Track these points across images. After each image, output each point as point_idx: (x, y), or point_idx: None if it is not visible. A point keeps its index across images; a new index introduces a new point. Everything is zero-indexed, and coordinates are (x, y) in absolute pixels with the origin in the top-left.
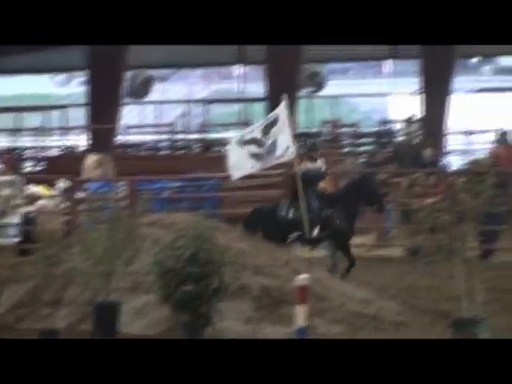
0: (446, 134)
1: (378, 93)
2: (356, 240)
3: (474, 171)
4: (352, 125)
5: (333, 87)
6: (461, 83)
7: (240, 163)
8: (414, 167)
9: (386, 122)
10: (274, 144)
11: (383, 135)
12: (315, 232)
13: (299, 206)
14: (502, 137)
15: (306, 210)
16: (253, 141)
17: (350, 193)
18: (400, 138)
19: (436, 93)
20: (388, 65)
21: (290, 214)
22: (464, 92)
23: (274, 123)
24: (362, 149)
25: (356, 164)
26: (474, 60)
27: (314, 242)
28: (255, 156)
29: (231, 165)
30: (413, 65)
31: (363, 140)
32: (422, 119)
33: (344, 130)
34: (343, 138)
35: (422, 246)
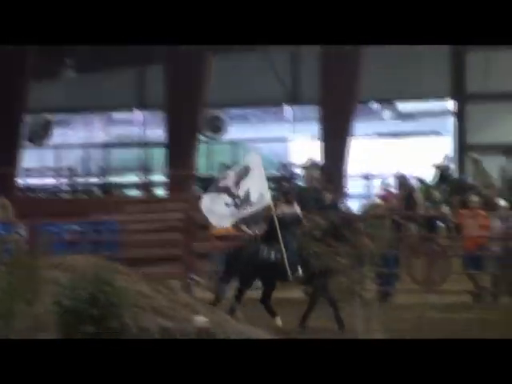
0: (345, 178)
1: (279, 137)
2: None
3: (373, 215)
4: None
5: (233, 132)
6: (361, 128)
7: (217, 211)
8: (315, 210)
9: (286, 165)
10: (247, 194)
11: (284, 179)
12: (299, 272)
13: (279, 248)
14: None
15: (286, 252)
16: (226, 190)
17: (326, 234)
18: (301, 183)
19: (336, 138)
20: (288, 110)
21: (272, 256)
22: (364, 136)
23: (245, 174)
24: None
25: None
26: (374, 105)
27: (301, 283)
28: (230, 205)
29: (207, 212)
30: (313, 110)
31: None
32: (322, 163)
33: None
34: None
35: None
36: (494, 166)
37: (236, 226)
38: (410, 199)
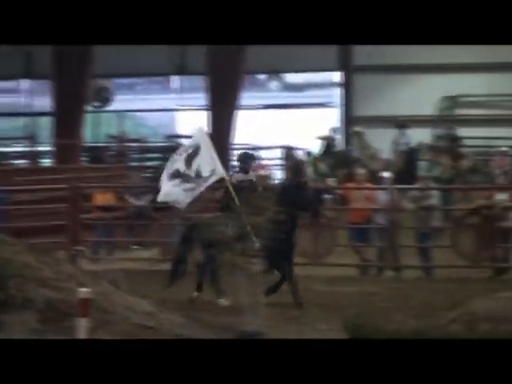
0: (233, 149)
1: (165, 108)
2: (142, 254)
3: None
4: (139, 139)
5: (120, 102)
6: (248, 99)
7: (173, 195)
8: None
9: (172, 136)
10: (199, 173)
11: (170, 150)
12: (256, 245)
13: (236, 218)
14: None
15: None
16: (178, 174)
17: (285, 203)
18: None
19: (223, 108)
20: (175, 80)
21: (229, 229)
22: (251, 108)
23: (195, 153)
24: (149, 163)
25: (142, 178)
26: (262, 76)
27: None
28: (185, 189)
29: (164, 196)
30: (200, 80)
31: (150, 154)
32: (209, 134)
33: (130, 144)
34: (130, 152)
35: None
36: (381, 137)
37: (120, 196)
38: (297, 171)
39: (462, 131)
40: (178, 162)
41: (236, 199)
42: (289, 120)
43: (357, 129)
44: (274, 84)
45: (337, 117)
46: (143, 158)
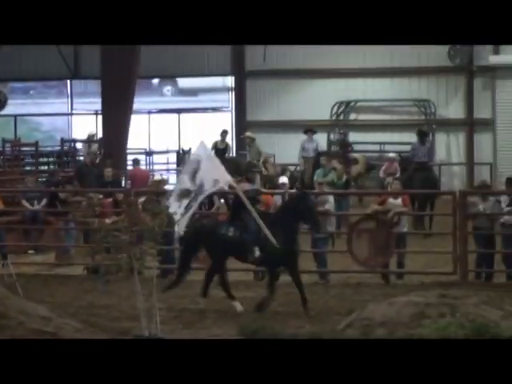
0: (126, 154)
1: (60, 112)
2: (36, 258)
3: (154, 191)
4: (33, 144)
5: (15, 106)
6: (142, 103)
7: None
8: (96, 186)
9: (67, 141)
10: (201, 186)
11: (65, 154)
12: (256, 253)
13: (239, 225)
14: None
15: (245, 231)
16: (186, 192)
17: (287, 212)
18: (81, 157)
19: (117, 113)
20: (70, 85)
21: (230, 233)
22: (145, 112)
23: (197, 169)
24: (44, 168)
25: (37, 183)
26: (155, 81)
27: (255, 263)
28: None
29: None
30: (94, 85)
31: (45, 159)
32: (102, 139)
33: (25, 148)
34: (24, 156)
35: (102, 265)
36: (275, 142)
37: (15, 201)
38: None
39: (356, 136)
40: (184, 182)
41: (251, 208)
42: (183, 124)
43: (248, 134)
44: (167, 88)
45: (230, 121)
46: (38, 163)
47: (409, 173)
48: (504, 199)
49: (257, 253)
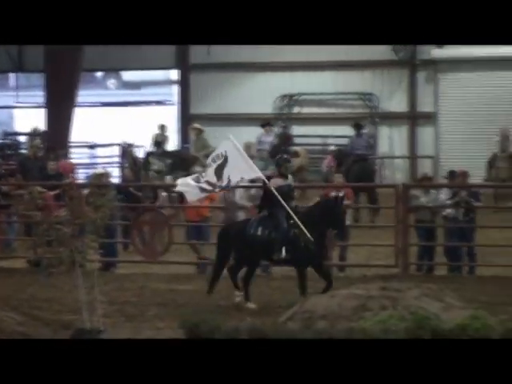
0: (70, 147)
1: (3, 105)
2: None
3: (96, 184)
4: None
5: None
6: (85, 97)
7: (186, 187)
8: (39, 180)
9: (10, 134)
10: (228, 184)
11: (8, 147)
12: (282, 253)
13: (268, 223)
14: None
15: (275, 229)
16: (207, 183)
17: (315, 214)
18: (24, 151)
19: (60, 106)
20: (13, 77)
21: (259, 232)
22: (89, 105)
23: (224, 164)
24: None
25: None
26: (99, 74)
27: (280, 264)
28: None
29: (179, 186)
30: (38, 78)
31: None
32: (46, 132)
33: None
34: None
35: (44, 258)
36: (219, 135)
37: None
38: (135, 168)
39: (300, 129)
40: (209, 175)
41: (284, 203)
42: (127, 118)
43: (196, 125)
44: (111, 82)
45: (175, 115)
46: None
47: (347, 165)
48: (445, 192)
49: (283, 253)
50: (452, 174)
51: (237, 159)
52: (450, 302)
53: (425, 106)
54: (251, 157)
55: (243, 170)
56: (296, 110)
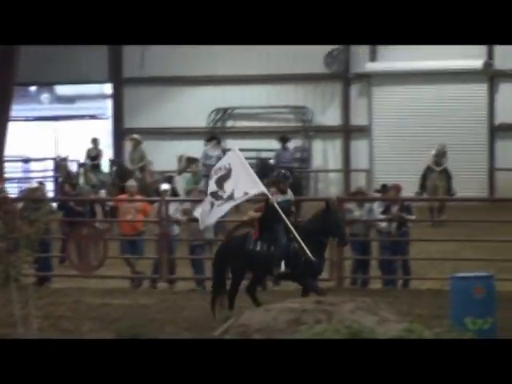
0: (3, 161)
1: None
2: None
3: (30, 198)
4: None
5: None
6: (19, 111)
7: (205, 214)
8: None
9: None
10: (231, 195)
11: None
12: (282, 267)
13: (267, 238)
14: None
15: (274, 244)
16: (213, 195)
17: (314, 225)
18: None
19: None
20: None
21: (258, 247)
22: (22, 120)
23: (226, 176)
24: None
25: None
26: (33, 88)
27: (279, 278)
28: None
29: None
30: None
31: None
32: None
33: None
34: None
35: None
36: (151, 149)
37: None
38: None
39: (234, 143)
40: (211, 185)
41: (285, 219)
42: (61, 132)
43: (134, 136)
44: (45, 96)
45: (108, 129)
46: None
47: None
48: (379, 206)
49: (283, 267)
50: (385, 188)
51: (241, 172)
52: (385, 316)
53: (359, 119)
54: (182, 170)
55: (247, 185)
56: (230, 123)
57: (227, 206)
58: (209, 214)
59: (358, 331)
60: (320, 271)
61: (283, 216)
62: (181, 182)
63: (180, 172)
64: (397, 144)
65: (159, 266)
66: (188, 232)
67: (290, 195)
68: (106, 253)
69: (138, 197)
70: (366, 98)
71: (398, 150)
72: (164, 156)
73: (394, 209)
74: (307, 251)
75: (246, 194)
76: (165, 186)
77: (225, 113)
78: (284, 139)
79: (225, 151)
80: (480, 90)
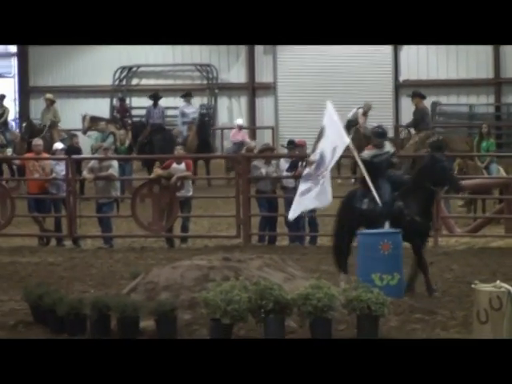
0: None
1: None
2: None
3: None
4: None
5: None
6: None
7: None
8: None
9: None
10: (322, 157)
11: None
12: (386, 226)
13: (372, 196)
14: None
15: (377, 201)
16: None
17: (423, 177)
18: None
19: None
20: None
21: (364, 205)
22: None
23: (321, 135)
24: None
25: None
26: None
27: None
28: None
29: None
30: None
31: None
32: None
33: None
34: None
35: None
36: (56, 107)
37: None
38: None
39: (139, 101)
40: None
41: (367, 176)
42: None
43: (48, 95)
44: None
45: (13, 87)
46: None
47: (144, 135)
48: (285, 162)
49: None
50: (291, 144)
51: (330, 127)
52: (292, 272)
53: (264, 76)
54: (86, 129)
55: (335, 139)
56: (135, 81)
57: (326, 175)
58: (320, 194)
59: (266, 288)
60: (427, 231)
61: (365, 173)
62: (88, 140)
63: (84, 131)
64: (302, 101)
65: (65, 224)
66: (95, 189)
67: (387, 148)
68: (14, 211)
69: (45, 155)
70: (271, 56)
71: (303, 106)
72: (70, 114)
73: (300, 164)
74: (377, 196)
75: (334, 149)
76: (58, 146)
77: (130, 71)
78: (155, 96)
79: (125, 109)
80: (385, 47)
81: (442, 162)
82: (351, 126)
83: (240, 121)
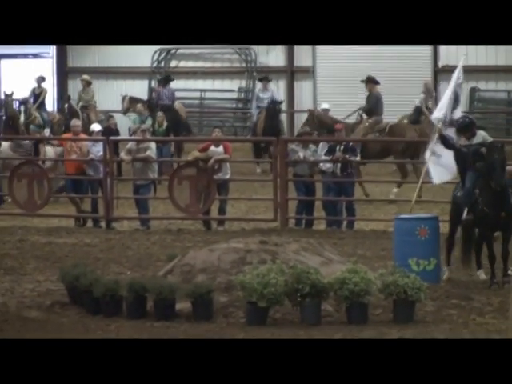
0: None
1: None
2: None
3: None
4: None
5: None
6: None
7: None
8: None
9: None
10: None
11: None
12: (464, 215)
13: (461, 184)
14: None
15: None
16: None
17: (484, 169)
18: None
19: None
20: None
21: (459, 193)
22: None
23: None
24: None
25: None
26: None
27: (467, 226)
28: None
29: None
30: None
31: None
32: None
33: None
34: None
35: None
36: (94, 89)
37: None
38: (11, 121)
39: (178, 84)
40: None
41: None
42: (4, 70)
43: (85, 76)
44: None
45: (51, 68)
46: None
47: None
48: (323, 147)
49: (464, 214)
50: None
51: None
52: (329, 256)
53: (303, 60)
54: (126, 110)
55: (441, 107)
56: (173, 63)
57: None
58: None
59: (303, 271)
60: (495, 223)
61: (430, 146)
62: (126, 122)
63: (124, 112)
64: (340, 85)
65: (103, 205)
66: (133, 171)
67: (479, 138)
68: (51, 191)
69: (83, 136)
70: None
71: (342, 91)
72: (108, 96)
73: (339, 149)
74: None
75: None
76: (96, 127)
77: (168, 53)
78: (166, 78)
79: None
80: None
81: (493, 156)
82: (420, 112)
83: (326, 105)
